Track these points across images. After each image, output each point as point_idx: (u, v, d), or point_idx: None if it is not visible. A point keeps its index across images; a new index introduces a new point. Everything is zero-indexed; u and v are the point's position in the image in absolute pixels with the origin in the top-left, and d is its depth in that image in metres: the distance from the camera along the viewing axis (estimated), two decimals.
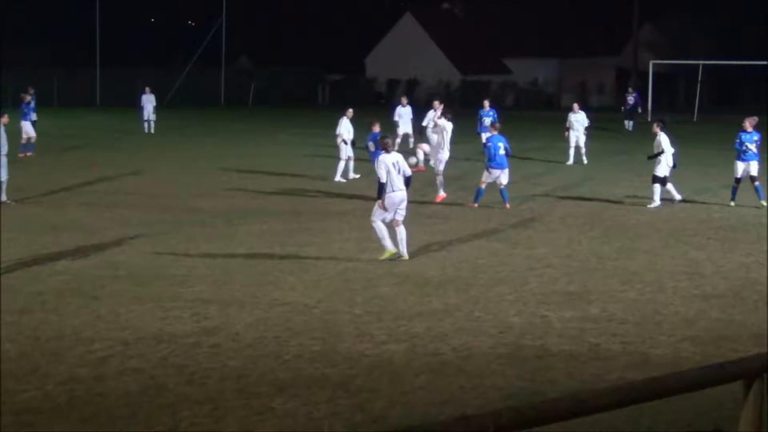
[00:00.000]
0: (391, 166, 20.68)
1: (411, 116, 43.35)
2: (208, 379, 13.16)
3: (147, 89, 56.87)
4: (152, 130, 54.98)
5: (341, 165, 34.39)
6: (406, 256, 20.75)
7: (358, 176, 34.53)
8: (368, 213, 21.50)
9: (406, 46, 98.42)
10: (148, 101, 55.85)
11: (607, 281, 19.08)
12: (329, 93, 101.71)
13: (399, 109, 43.71)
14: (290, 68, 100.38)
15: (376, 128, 31.45)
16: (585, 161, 40.37)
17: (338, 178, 34.06)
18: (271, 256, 21.21)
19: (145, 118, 55.51)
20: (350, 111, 35.75)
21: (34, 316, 16.08)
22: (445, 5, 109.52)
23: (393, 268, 20.08)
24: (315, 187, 32.84)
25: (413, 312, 16.62)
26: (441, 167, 29.87)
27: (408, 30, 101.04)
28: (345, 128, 34.91)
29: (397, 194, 20.71)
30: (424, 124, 38.26)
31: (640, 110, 60.10)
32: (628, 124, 57.59)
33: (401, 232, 20.79)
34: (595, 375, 13.56)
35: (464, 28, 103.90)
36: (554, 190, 32.32)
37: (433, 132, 32.17)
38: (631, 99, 58.83)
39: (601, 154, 43.28)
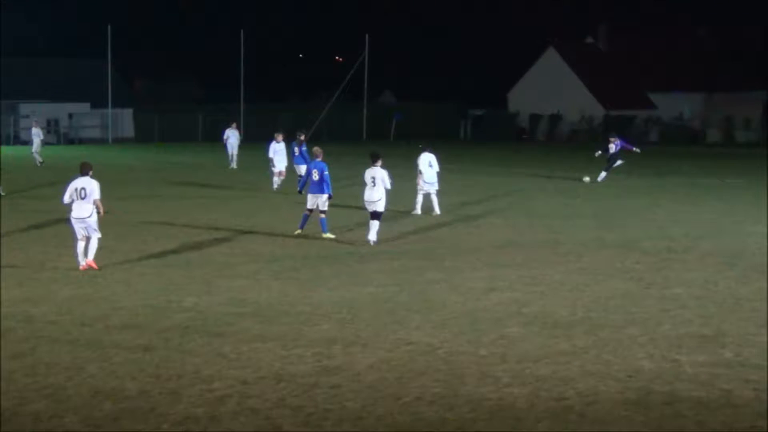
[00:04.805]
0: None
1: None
2: (324, 421, 12.95)
3: (234, 124, 57.83)
4: (235, 165, 55.95)
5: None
6: None
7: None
8: (502, 250, 21.10)
9: (549, 81, 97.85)
10: (233, 136, 56.66)
11: (742, 324, 18.40)
12: (471, 128, 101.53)
13: (274, 145, 43.68)
14: (433, 103, 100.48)
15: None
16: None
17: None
18: (398, 294, 20.98)
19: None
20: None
21: (157, 353, 16.08)
22: (589, 39, 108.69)
23: (522, 308, 19.70)
24: (445, 223, 32.67)
25: (539, 354, 16.20)
26: None
27: (550, 64, 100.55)
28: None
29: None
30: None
31: (620, 161, 48.95)
32: (601, 175, 48.25)
33: None
34: (725, 423, 13.01)
35: (608, 62, 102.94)
36: (692, 229, 31.63)
37: None
38: (613, 147, 48.74)
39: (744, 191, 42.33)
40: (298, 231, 29.45)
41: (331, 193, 29.32)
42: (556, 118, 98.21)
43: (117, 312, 19.06)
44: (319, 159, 29.46)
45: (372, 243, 27.64)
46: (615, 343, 16.90)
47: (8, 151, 69.12)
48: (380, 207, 27.88)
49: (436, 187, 35.01)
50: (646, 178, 50.94)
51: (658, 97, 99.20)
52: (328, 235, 28.83)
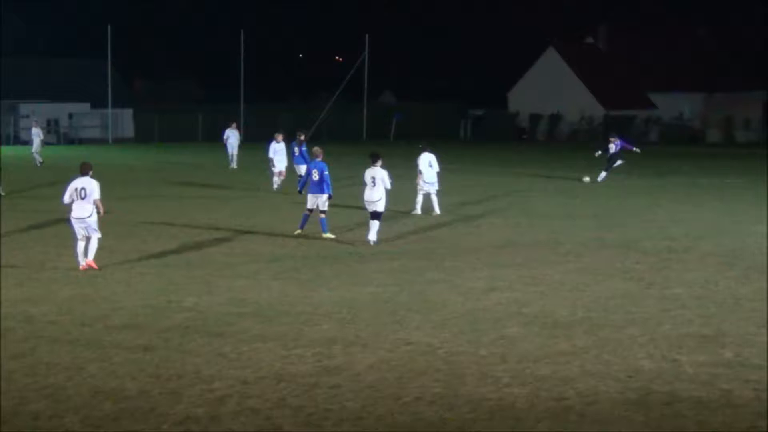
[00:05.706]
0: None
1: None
2: (324, 421, 12.94)
3: (234, 124, 57.99)
4: (235, 165, 56.19)
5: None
6: None
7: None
8: (502, 250, 21.11)
9: (549, 81, 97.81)
10: (233, 136, 56.85)
11: (742, 324, 18.39)
12: (471, 127, 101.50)
13: (274, 145, 43.73)
14: (433, 103, 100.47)
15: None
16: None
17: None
18: (398, 294, 20.98)
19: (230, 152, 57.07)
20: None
21: (157, 353, 16.08)
22: (589, 39, 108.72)
23: (522, 308, 19.69)
24: (444, 223, 32.69)
25: (539, 354, 16.20)
26: None
27: (551, 64, 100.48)
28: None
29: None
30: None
31: (620, 161, 48.71)
32: (601, 175, 48.36)
33: None
34: (725, 423, 13.01)
35: (608, 62, 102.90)
36: (692, 229, 31.63)
37: None
38: (613, 147, 48.41)
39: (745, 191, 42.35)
40: (298, 231, 29.45)
41: (331, 193, 29.32)
42: (556, 118, 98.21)
43: (117, 312, 19.06)
44: (319, 159, 29.46)
45: (372, 243, 27.65)
46: (615, 343, 16.89)
47: (8, 151, 69.08)
48: (380, 207, 27.88)
49: (436, 187, 35.01)
50: (646, 178, 50.96)
51: (658, 97, 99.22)
52: (328, 235, 28.83)
